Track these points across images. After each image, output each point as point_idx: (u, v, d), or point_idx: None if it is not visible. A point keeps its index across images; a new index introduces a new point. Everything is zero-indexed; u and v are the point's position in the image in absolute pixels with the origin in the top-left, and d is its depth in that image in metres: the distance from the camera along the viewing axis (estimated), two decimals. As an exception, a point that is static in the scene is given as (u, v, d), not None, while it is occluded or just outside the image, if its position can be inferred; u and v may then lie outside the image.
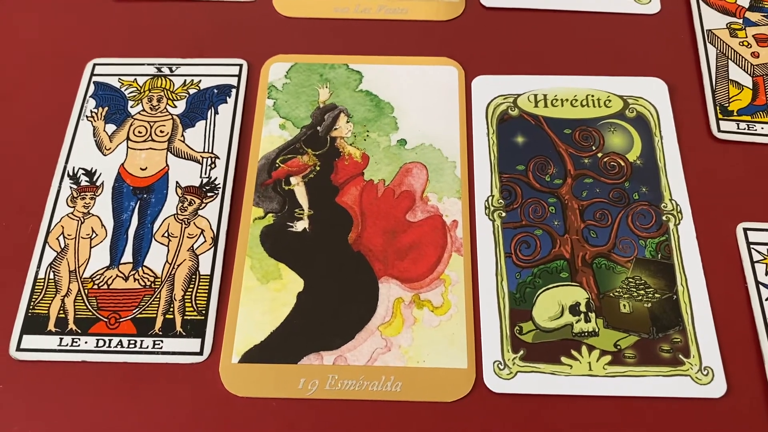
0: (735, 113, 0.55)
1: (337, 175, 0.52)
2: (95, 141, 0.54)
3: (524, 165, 0.53)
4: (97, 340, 0.46)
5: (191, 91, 0.56)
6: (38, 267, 0.48)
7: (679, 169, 0.52)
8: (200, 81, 0.57)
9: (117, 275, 0.48)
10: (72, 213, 0.51)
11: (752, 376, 0.45)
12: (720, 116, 0.55)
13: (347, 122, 0.55)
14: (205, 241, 0.49)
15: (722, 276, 0.48)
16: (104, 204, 0.51)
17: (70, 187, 0.52)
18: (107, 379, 0.45)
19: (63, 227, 0.50)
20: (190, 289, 0.48)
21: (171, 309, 0.47)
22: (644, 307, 0.47)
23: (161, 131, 0.54)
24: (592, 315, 0.47)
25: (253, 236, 0.50)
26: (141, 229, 0.50)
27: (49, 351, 0.46)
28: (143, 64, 0.57)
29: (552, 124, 0.54)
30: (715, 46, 0.58)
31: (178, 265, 0.48)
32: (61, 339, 0.46)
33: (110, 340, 0.46)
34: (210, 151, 0.53)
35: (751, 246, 0.49)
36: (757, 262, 0.48)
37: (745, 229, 0.50)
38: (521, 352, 0.45)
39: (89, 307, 0.47)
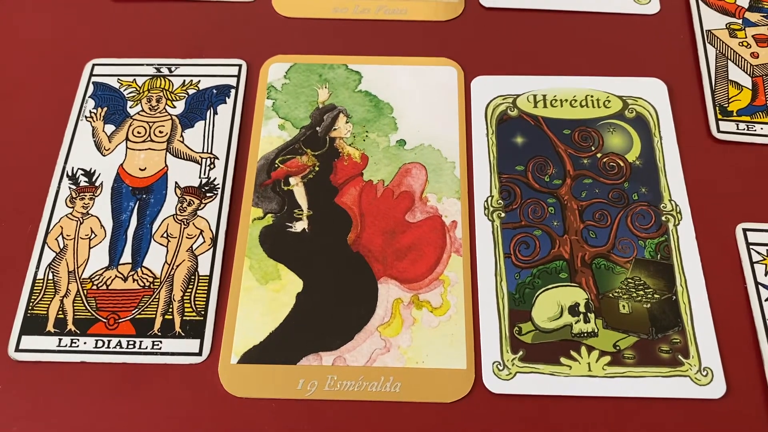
0: (734, 114, 0.55)
1: (336, 175, 0.52)
2: (94, 141, 0.54)
3: (523, 165, 0.52)
4: (96, 340, 0.46)
5: (190, 92, 0.56)
6: (37, 267, 0.48)
7: (678, 170, 0.52)
8: (199, 81, 0.57)
9: (116, 276, 0.48)
10: (71, 213, 0.51)
11: (752, 377, 0.45)
12: (719, 117, 0.55)
13: (346, 123, 0.55)
14: (204, 241, 0.49)
15: (722, 277, 0.48)
16: (103, 204, 0.51)
17: (69, 188, 0.52)
18: (106, 380, 0.45)
19: (62, 228, 0.50)
20: (189, 290, 0.48)
21: (170, 309, 0.47)
22: (643, 308, 0.47)
23: (160, 131, 0.54)
24: (592, 316, 0.47)
25: (252, 237, 0.50)
26: (140, 230, 0.50)
27: (48, 352, 0.46)
28: (142, 65, 0.57)
29: (551, 125, 0.54)
30: (714, 46, 0.58)
31: (177, 266, 0.48)
32: (60, 339, 0.46)
33: (109, 341, 0.46)
34: (209, 151, 0.53)
35: (751, 246, 0.49)
36: (757, 262, 0.48)
37: (745, 230, 0.50)
38: (520, 353, 0.45)
39: (88, 307, 0.47)
